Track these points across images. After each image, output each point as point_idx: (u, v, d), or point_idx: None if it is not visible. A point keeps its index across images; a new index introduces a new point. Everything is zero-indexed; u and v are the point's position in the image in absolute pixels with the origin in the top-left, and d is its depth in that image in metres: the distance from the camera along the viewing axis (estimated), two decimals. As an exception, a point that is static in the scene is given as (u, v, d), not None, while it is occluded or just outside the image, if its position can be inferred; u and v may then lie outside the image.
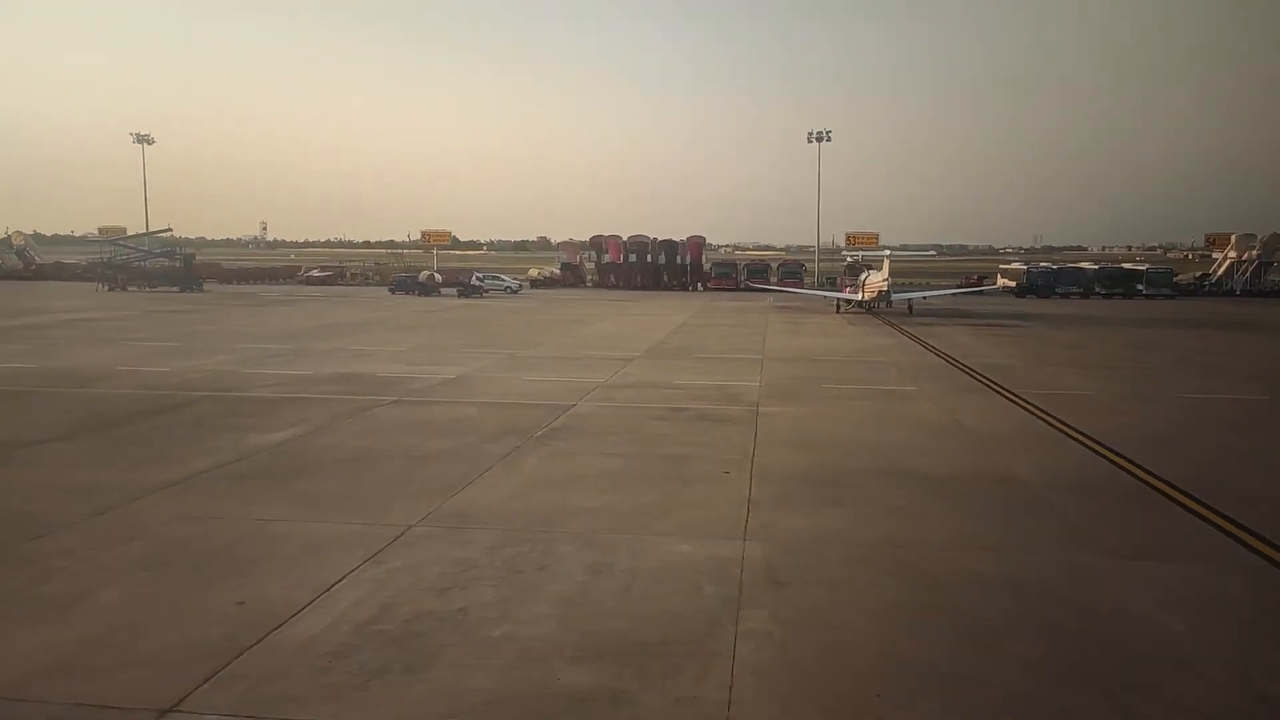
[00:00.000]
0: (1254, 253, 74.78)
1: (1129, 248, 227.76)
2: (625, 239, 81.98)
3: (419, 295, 64.38)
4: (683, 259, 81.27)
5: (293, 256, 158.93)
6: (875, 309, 46.62)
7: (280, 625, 7.28)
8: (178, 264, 68.73)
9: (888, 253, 44.71)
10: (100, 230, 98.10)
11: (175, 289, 66.00)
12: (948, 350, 29.59)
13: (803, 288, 66.94)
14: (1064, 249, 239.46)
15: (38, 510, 10.42)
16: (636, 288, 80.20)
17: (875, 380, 22.76)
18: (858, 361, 26.82)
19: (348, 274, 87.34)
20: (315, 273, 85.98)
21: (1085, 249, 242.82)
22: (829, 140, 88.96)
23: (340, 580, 8.30)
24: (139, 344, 29.05)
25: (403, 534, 9.67)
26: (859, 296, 47.12)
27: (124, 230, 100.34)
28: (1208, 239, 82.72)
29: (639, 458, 13.55)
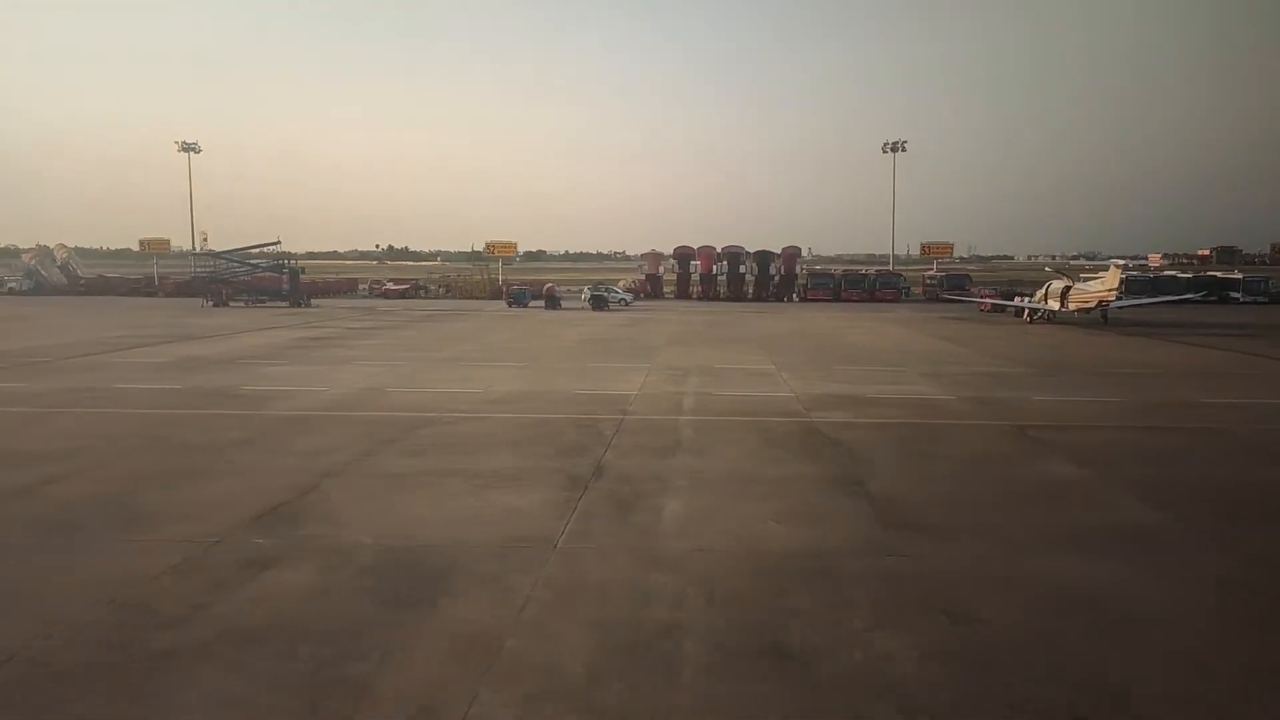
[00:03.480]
0: None
1: (1054, 256, 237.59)
2: (719, 249, 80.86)
3: (546, 308, 62.30)
4: (776, 270, 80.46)
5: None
6: (1054, 319, 46.54)
7: None
8: (285, 278, 65.19)
9: (1122, 263, 44.81)
10: (141, 244, 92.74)
11: (284, 304, 62.61)
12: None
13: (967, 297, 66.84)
14: (992, 258, 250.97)
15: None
16: (720, 299, 78.84)
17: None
18: (1239, 375, 26.21)
19: (421, 286, 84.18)
20: (391, 285, 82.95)
21: (1012, 258, 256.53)
22: (904, 150, 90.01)
23: None
24: (464, 364, 26.94)
25: None
26: (1053, 306, 47.02)
27: (167, 243, 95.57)
28: (1273, 247, 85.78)
29: None
